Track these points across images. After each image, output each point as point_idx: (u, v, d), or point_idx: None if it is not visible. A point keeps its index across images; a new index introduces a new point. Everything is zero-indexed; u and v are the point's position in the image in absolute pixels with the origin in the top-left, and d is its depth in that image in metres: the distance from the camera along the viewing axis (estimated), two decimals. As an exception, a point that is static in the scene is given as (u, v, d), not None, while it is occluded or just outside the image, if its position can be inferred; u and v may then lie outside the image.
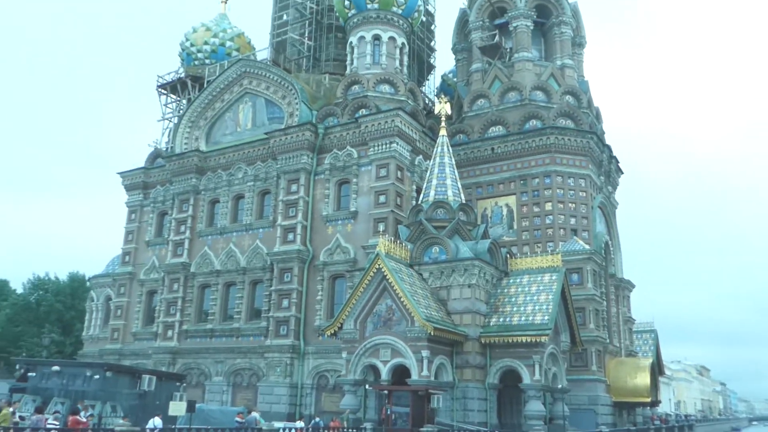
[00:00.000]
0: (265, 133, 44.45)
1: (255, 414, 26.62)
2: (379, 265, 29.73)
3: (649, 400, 41.74)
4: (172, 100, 57.03)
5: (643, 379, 41.17)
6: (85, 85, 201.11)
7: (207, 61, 54.95)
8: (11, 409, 18.48)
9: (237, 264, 43.42)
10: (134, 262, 50.31)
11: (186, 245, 46.19)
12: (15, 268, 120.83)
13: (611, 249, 46.55)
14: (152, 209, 50.75)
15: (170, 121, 55.89)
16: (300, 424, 26.36)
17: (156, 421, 22.67)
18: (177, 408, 25.82)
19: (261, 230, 43.57)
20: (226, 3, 60.73)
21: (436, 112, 39.28)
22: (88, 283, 59.61)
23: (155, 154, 52.94)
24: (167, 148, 52.11)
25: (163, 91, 56.75)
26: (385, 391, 29.04)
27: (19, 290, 75.22)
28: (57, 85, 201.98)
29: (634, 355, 46.80)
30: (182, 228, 46.89)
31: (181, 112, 53.87)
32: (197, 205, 47.11)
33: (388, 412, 27.28)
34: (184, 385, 34.87)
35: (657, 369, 46.72)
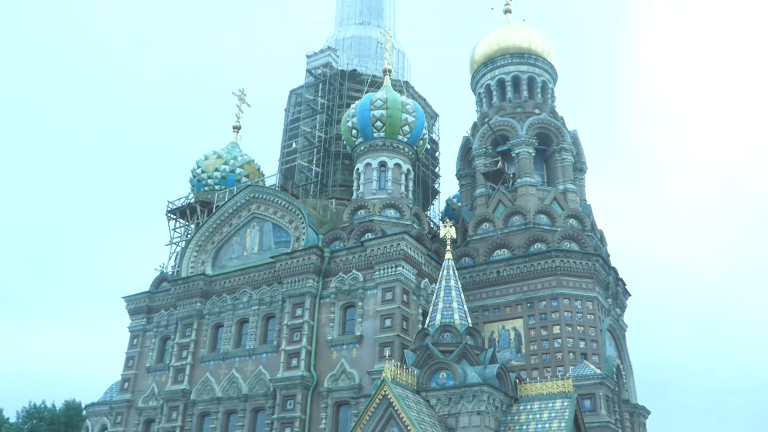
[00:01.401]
0: (272, 257, 44.85)
1: None
2: (385, 391, 28.97)
3: None
4: (181, 224, 58.03)
5: None
6: (89, 208, 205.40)
7: (217, 187, 56.44)
8: None
9: (239, 391, 42.32)
10: (133, 389, 49.08)
11: (187, 371, 45.25)
12: (10, 395, 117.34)
13: (623, 373, 45.35)
14: (155, 334, 50.21)
15: (177, 245, 56.57)
16: None
17: None
18: None
19: (264, 355, 42.85)
20: (238, 132, 63.42)
21: (441, 235, 39.82)
22: (83, 412, 57.80)
23: (161, 278, 53.14)
24: (173, 272, 52.36)
25: (172, 216, 57.87)
26: None
27: (13, 419, 72.94)
28: (61, 208, 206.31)
29: (655, 489, 44.25)
30: (184, 353, 46.15)
31: (188, 236, 54.68)
32: (201, 330, 46.65)
33: None
34: None
35: (680, 504, 43.97)
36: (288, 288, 43.11)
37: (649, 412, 47.64)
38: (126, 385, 49.64)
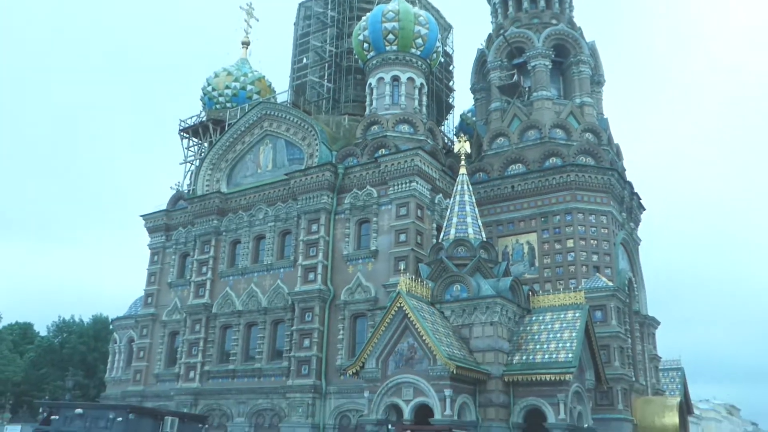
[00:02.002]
0: (286, 174, 45.04)
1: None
2: (400, 303, 29.70)
3: (678, 440, 40.65)
4: (194, 143, 58.13)
5: (672, 419, 40.19)
6: (103, 130, 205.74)
7: (228, 105, 56.09)
8: None
9: (258, 304, 43.57)
10: (157, 303, 50.69)
11: (208, 286, 46.51)
12: (40, 312, 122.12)
13: (635, 286, 46.03)
14: (174, 251, 51.30)
15: (192, 164, 56.88)
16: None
17: None
18: (200, 450, 25.74)
19: (282, 270, 43.79)
20: (247, 48, 62.28)
21: (455, 151, 39.62)
22: (111, 326, 60.02)
23: (177, 197, 53.75)
24: (189, 191, 52.91)
25: (185, 134, 57.90)
26: (409, 431, 28.67)
27: (43, 333, 76.00)
28: (76, 130, 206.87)
29: (661, 394, 45.79)
30: (204, 269, 47.28)
31: (202, 154, 54.87)
32: (218, 247, 47.57)
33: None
34: (206, 426, 34.71)
35: (685, 408, 45.63)
36: (303, 204, 43.52)
37: (658, 323, 48.67)
38: (149, 299, 51.24)
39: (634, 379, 40.97)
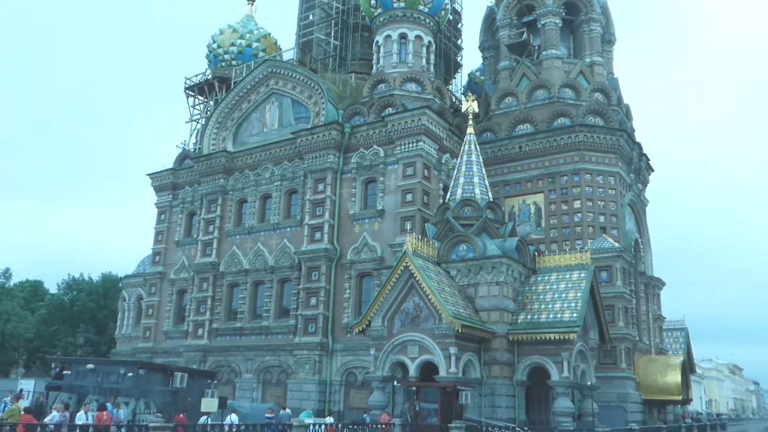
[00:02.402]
0: (292, 133, 44.83)
1: (287, 411, 26.98)
2: (406, 263, 29.82)
3: (680, 398, 41.20)
4: (200, 101, 57.80)
5: (674, 377, 40.67)
6: (112, 88, 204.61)
7: (234, 63, 55.56)
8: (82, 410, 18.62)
9: (265, 263, 43.87)
10: (164, 262, 51.11)
11: (215, 245, 46.80)
12: (50, 270, 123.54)
13: (641, 247, 46.05)
14: (181, 210, 51.49)
15: (198, 122, 56.66)
16: (329, 419, 26.61)
17: (233, 417, 23.21)
18: (209, 405, 26.30)
19: (288, 229, 43.95)
20: (252, 5, 61.33)
21: (463, 110, 39.24)
22: (120, 284, 60.65)
23: (183, 156, 53.69)
24: (195, 149, 52.81)
25: (190, 92, 57.53)
26: (414, 388, 29.12)
27: (53, 291, 76.88)
28: (83, 90, 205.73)
29: (665, 353, 46.23)
30: (210, 228, 47.50)
31: (208, 113, 54.59)
32: (225, 206, 47.68)
33: (417, 408, 27.35)
34: (215, 382, 35.46)
35: (688, 367, 46.11)
36: (309, 164, 43.42)
37: (663, 284, 48.84)
38: (157, 258, 51.65)
39: (637, 338, 41.33)
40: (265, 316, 43.18)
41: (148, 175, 54.19)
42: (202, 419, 23.87)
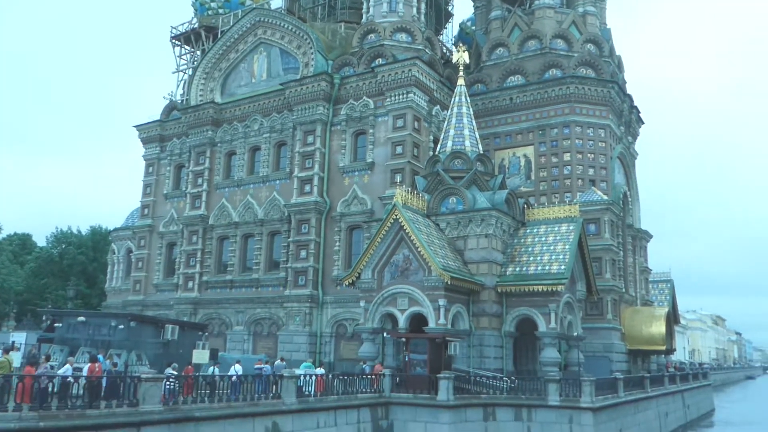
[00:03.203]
0: (281, 84, 44.15)
1: (283, 362, 27.33)
2: (396, 215, 29.83)
3: (663, 348, 42.06)
4: (186, 51, 56.67)
5: (658, 328, 41.40)
6: (97, 38, 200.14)
7: (221, 11, 54.34)
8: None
9: (255, 216, 43.76)
10: (153, 214, 50.87)
11: (204, 198, 46.55)
12: (38, 222, 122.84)
13: (629, 200, 46.23)
14: (169, 162, 51.00)
15: (185, 72, 55.67)
16: (320, 370, 26.96)
17: (237, 368, 23.52)
18: (200, 356, 26.59)
19: (278, 182, 43.71)
20: (238, -49, 59.51)
21: (453, 61, 38.69)
22: (109, 237, 60.42)
23: (170, 107, 52.88)
24: (182, 101, 52.03)
25: (176, 42, 56.35)
26: (403, 339, 29.49)
27: (42, 244, 76.51)
28: (70, 42, 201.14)
29: (650, 305, 46.96)
30: (199, 180, 47.17)
31: (195, 63, 53.59)
32: (214, 158, 47.25)
33: (407, 359, 27.76)
34: (206, 334, 35.72)
35: (672, 318, 46.96)
36: (298, 115, 42.90)
37: (651, 236, 49.27)
38: (146, 211, 51.39)
39: (624, 290, 41.87)
40: (255, 268, 43.29)
41: (135, 126, 53.49)
42: (210, 369, 24.16)
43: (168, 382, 18.51)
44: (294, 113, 43.22)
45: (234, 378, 21.12)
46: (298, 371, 23.73)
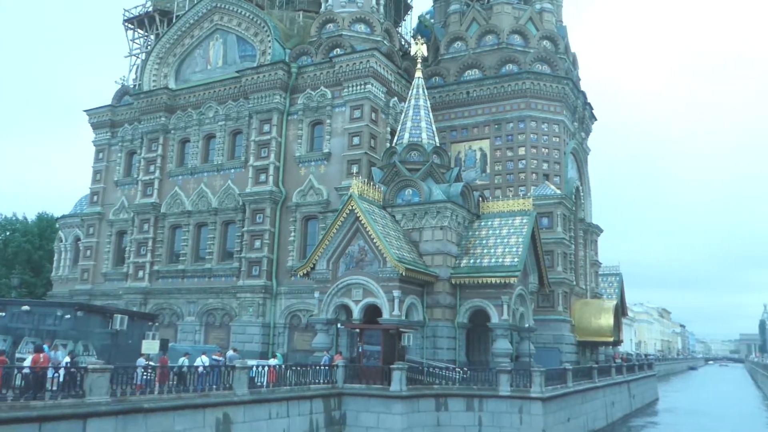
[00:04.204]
0: (237, 72, 43.48)
1: (235, 353, 27.03)
2: (352, 206, 29.76)
3: (611, 339, 43.17)
4: (140, 35, 55.25)
5: (607, 320, 42.45)
6: (48, 19, 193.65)
7: (176, -5, 53.01)
8: None
9: (208, 204, 43.08)
10: (103, 202, 49.61)
11: (156, 185, 45.60)
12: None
13: (582, 194, 47.18)
14: (120, 148, 49.77)
15: (138, 57, 54.29)
16: (274, 361, 26.76)
17: (203, 359, 23.16)
18: (150, 347, 26.05)
19: (233, 171, 43.11)
20: (195, -66, 58.18)
21: (412, 53, 38.74)
22: (56, 224, 58.70)
23: (122, 92, 51.56)
24: (135, 86, 50.78)
25: (129, 25, 54.86)
26: (357, 330, 29.50)
27: (-15, 230, 73.82)
28: (20, 24, 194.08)
29: (599, 297, 48.10)
30: (152, 168, 46.17)
31: (148, 48, 52.33)
32: (167, 145, 46.29)
33: (360, 350, 27.79)
34: (157, 324, 35.06)
35: (620, 310, 48.23)
36: (254, 104, 42.34)
37: (601, 230, 50.42)
38: (95, 198, 50.07)
39: (574, 283, 42.77)
40: (208, 258, 42.66)
41: (85, 111, 51.98)
42: (181, 360, 23.73)
43: (145, 373, 18.52)
44: (250, 101, 42.63)
45: (201, 369, 20.98)
46: (241, 361, 23.53)
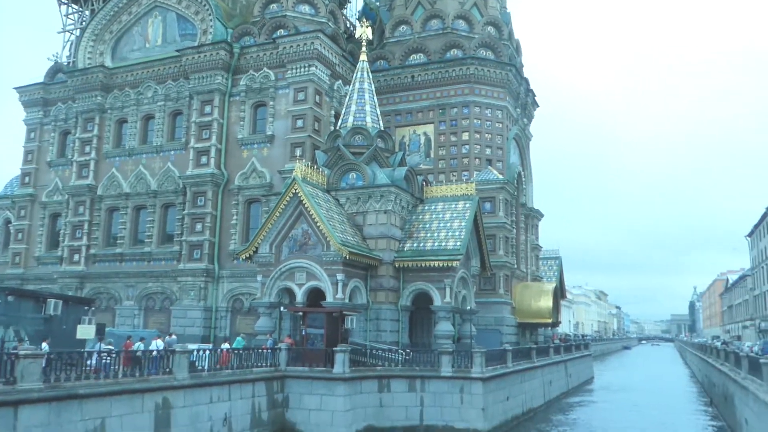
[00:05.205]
0: (177, 51, 42.32)
1: (173, 337, 26.58)
2: (295, 189, 29.54)
3: (550, 321, 44.38)
4: (74, 10, 53.10)
5: (546, 302, 43.57)
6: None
7: (112, -30, 51.03)
8: None
9: (147, 187, 41.99)
10: (35, 183, 47.73)
11: (92, 167, 44.12)
12: None
13: (523, 180, 48.08)
14: (54, 128, 47.91)
15: (72, 33, 52.21)
16: (225, 345, 26.48)
17: (158, 343, 22.69)
18: (85, 332, 25.26)
19: (173, 152, 42.09)
20: None
21: (357, 36, 38.53)
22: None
23: (56, 69, 49.51)
24: (69, 63, 48.86)
25: (63, 0, 52.62)
26: (300, 313, 29.40)
27: None
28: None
29: (540, 280, 49.29)
30: (87, 148, 44.63)
31: (84, 24, 50.35)
32: (103, 125, 44.79)
33: (304, 333, 27.73)
34: (93, 309, 34.07)
35: (559, 293, 49.57)
36: (195, 84, 41.35)
37: (542, 215, 51.56)
38: (27, 179, 48.11)
39: (516, 266, 43.67)
40: (147, 241, 41.65)
41: (15, 89, 49.71)
42: (137, 344, 23.12)
43: (107, 357, 18.52)
44: (191, 82, 41.61)
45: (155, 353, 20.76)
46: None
